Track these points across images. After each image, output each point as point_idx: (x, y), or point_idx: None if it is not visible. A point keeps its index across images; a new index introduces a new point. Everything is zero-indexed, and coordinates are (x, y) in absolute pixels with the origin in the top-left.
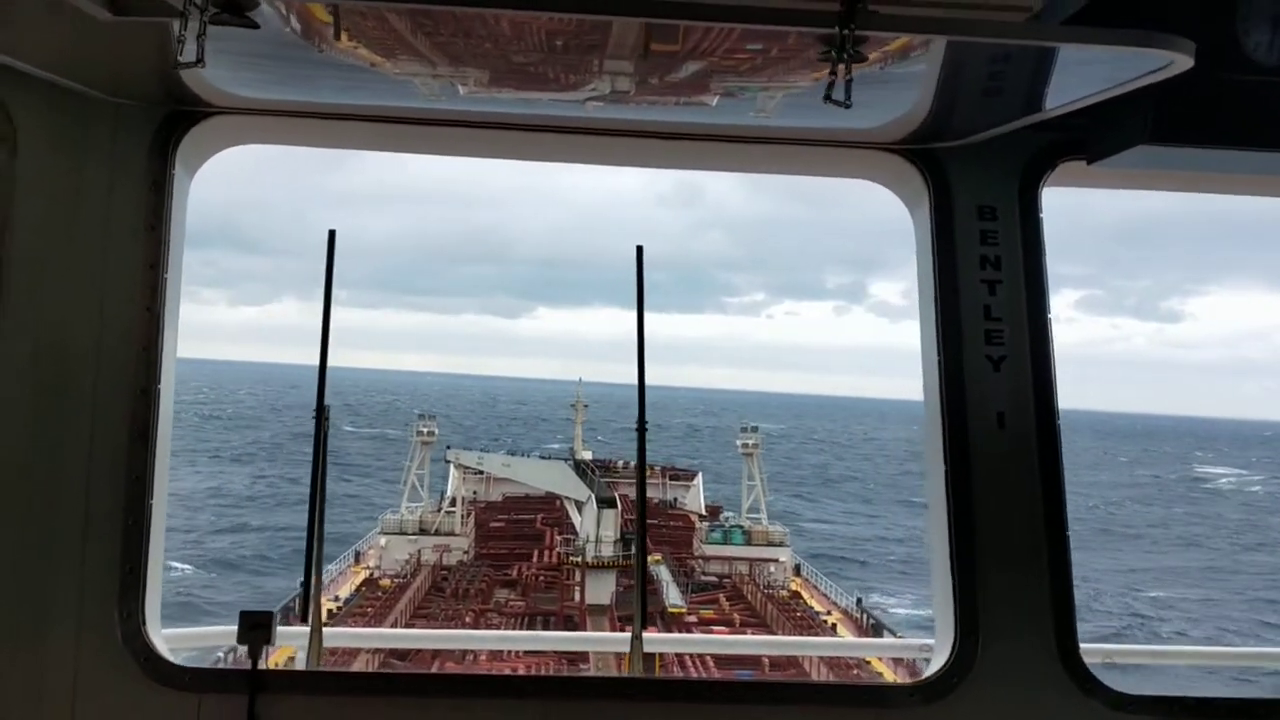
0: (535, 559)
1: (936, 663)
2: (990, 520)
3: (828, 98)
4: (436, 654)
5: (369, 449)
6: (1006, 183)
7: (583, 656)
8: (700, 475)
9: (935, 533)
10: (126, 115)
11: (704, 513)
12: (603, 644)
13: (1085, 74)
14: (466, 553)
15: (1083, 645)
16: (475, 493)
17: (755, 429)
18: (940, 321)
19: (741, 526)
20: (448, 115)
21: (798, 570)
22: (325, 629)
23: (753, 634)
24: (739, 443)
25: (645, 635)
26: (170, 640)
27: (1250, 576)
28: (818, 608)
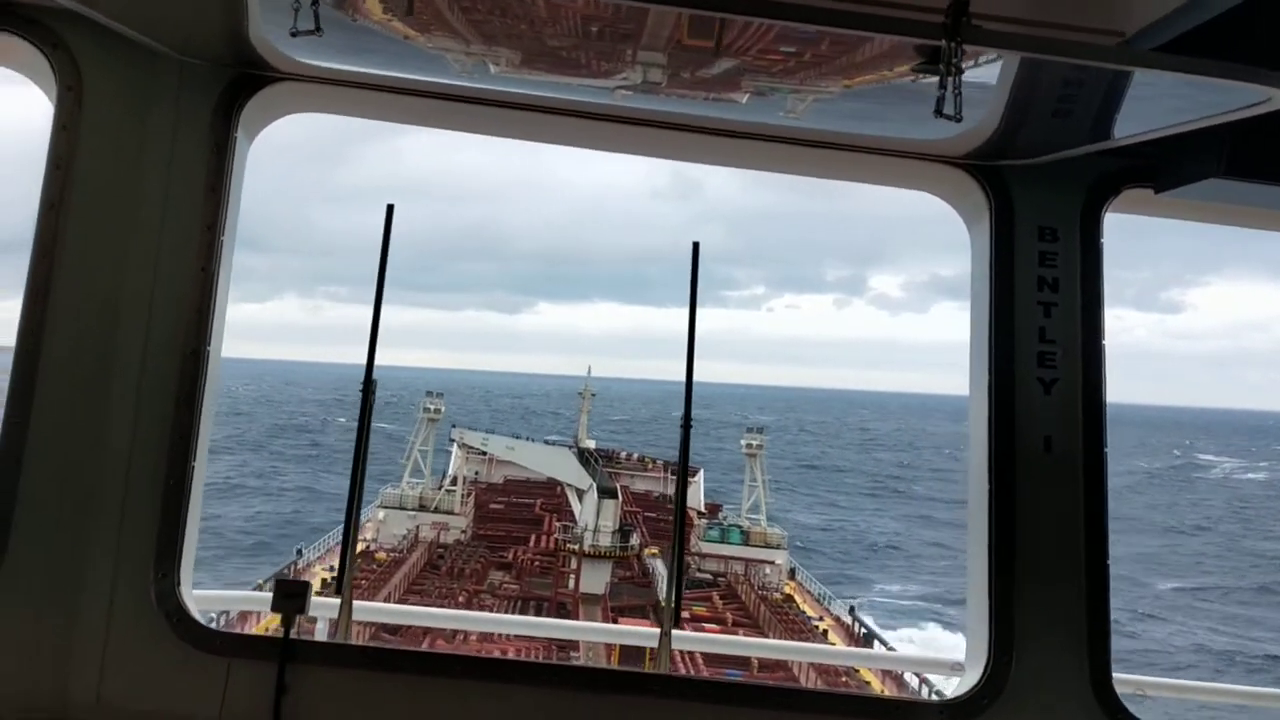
0: (532, 543)
1: (967, 682)
2: (1031, 544)
3: (939, 112)
4: (427, 632)
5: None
6: (1069, 205)
7: (572, 645)
8: (702, 472)
9: (974, 552)
10: (192, 75)
11: (703, 510)
12: (634, 638)
13: (1161, 104)
14: (464, 532)
15: (1115, 676)
16: (477, 473)
17: (761, 430)
18: (993, 339)
19: (740, 526)
20: (494, 95)
21: (792, 574)
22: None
23: (744, 634)
24: (743, 443)
25: (674, 633)
26: (199, 601)
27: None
28: (810, 613)
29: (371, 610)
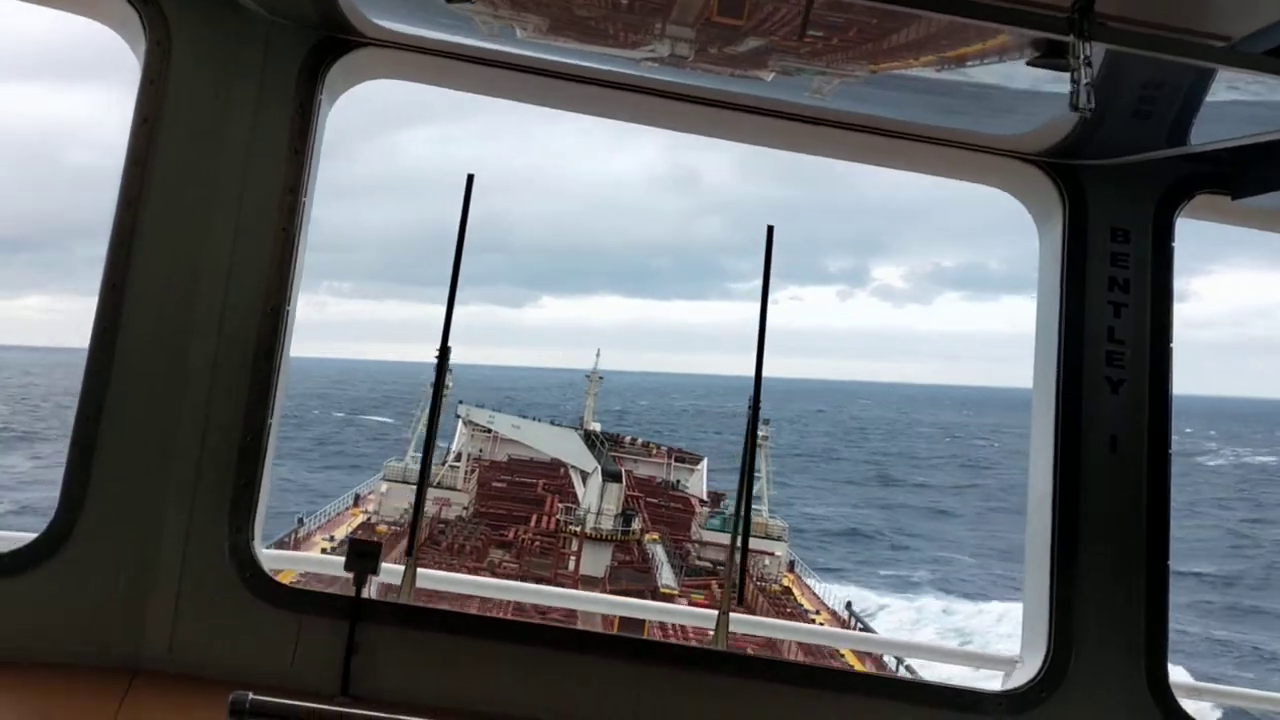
0: (533, 523)
1: (1025, 674)
2: (1092, 542)
3: (1074, 107)
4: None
5: (354, 435)
6: (1142, 207)
7: (571, 619)
8: (705, 460)
9: (1034, 547)
10: (279, 35)
11: (705, 498)
12: (693, 618)
13: (1246, 111)
14: (466, 509)
15: (1172, 680)
16: (481, 450)
17: (767, 421)
18: (1063, 337)
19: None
20: (559, 67)
21: (791, 566)
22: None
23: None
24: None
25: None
26: (268, 561)
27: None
28: (807, 606)
29: (434, 578)
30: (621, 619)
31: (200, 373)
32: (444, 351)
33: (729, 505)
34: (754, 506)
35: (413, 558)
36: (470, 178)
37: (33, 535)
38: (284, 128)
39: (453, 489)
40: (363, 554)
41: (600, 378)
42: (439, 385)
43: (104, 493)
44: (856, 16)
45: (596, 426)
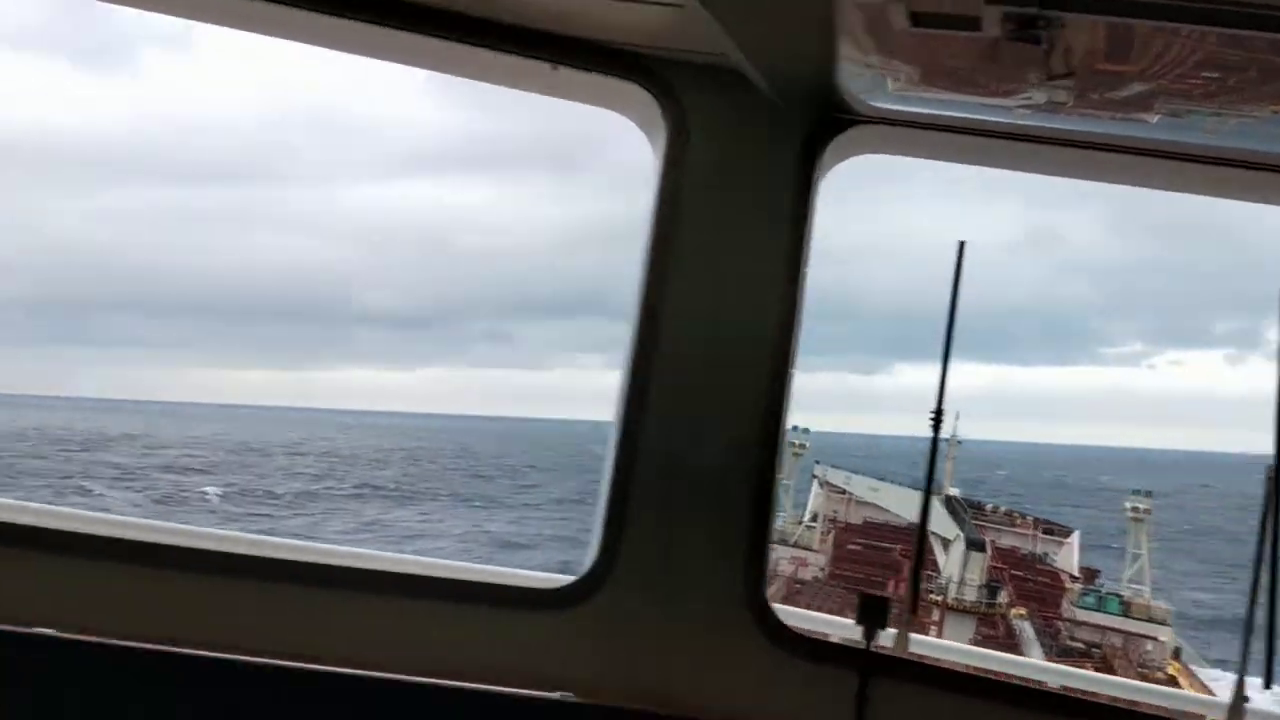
0: (890, 588)
1: None
2: None
3: None
4: None
5: None
6: None
7: None
8: (1077, 534)
9: None
10: (783, 116)
11: (1076, 573)
12: (1195, 704)
13: None
14: (822, 570)
15: None
16: (836, 512)
17: (1148, 494)
18: None
19: (1119, 595)
20: (1039, 132)
21: (1177, 654)
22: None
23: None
24: (1128, 505)
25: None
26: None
27: None
28: None
29: (927, 645)
30: None
31: (717, 436)
32: (938, 415)
33: (1104, 583)
34: (1136, 585)
35: (911, 615)
36: (962, 245)
37: (573, 578)
38: (787, 203)
39: (809, 549)
40: (872, 608)
41: (959, 442)
42: (934, 448)
43: (634, 544)
44: (1258, 54)
45: (955, 492)
